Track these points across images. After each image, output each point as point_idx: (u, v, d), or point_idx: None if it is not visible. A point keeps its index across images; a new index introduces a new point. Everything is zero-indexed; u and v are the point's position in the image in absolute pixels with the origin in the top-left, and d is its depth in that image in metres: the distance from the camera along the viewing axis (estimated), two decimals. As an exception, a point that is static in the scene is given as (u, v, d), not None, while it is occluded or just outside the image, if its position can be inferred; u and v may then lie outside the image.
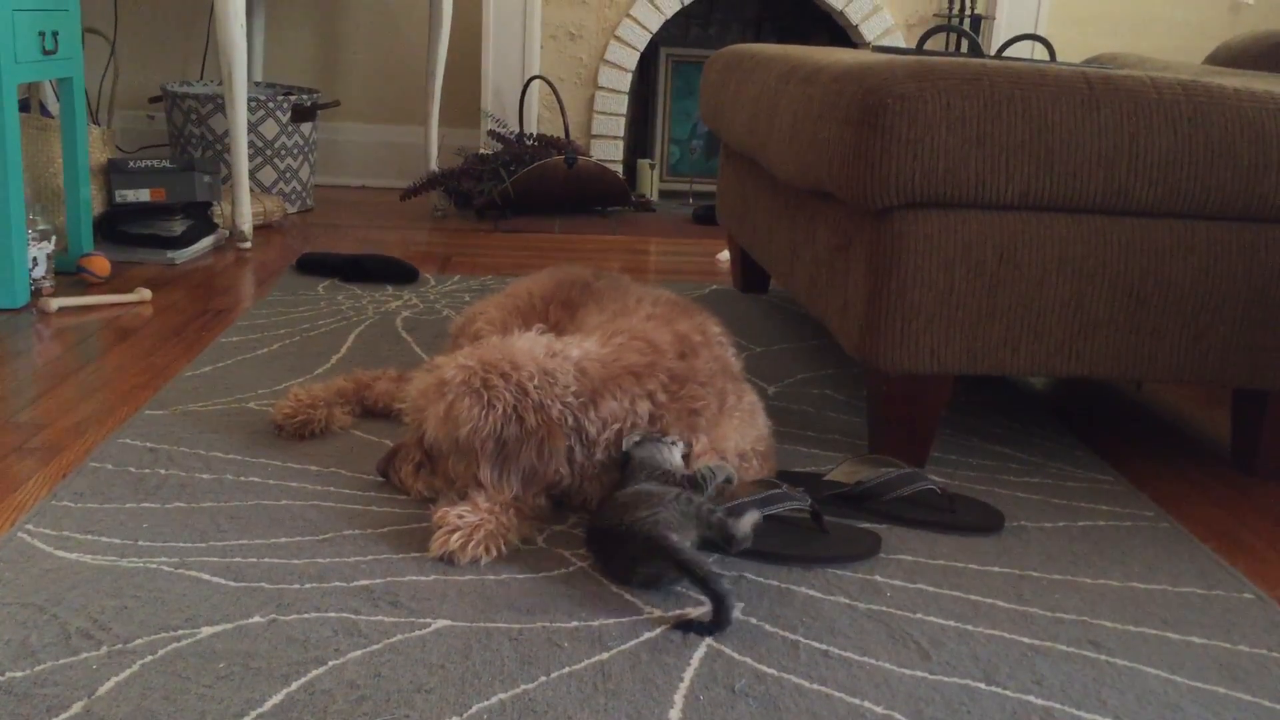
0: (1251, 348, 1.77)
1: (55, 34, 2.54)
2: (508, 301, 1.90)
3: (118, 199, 2.92)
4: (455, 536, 1.40)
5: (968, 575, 1.46)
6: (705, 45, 4.37)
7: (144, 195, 2.93)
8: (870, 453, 1.80)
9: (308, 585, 1.32)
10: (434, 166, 3.83)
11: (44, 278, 2.52)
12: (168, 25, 4.21)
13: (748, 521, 1.41)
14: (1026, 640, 1.31)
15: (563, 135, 3.98)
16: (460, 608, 1.30)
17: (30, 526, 1.43)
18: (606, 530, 1.38)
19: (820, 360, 2.38)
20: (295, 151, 3.69)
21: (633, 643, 1.24)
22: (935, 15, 4.16)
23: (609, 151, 4.14)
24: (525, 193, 3.71)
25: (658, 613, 1.30)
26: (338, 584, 1.33)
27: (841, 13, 4.11)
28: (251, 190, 3.38)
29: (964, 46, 4.04)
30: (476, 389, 1.47)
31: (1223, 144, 1.67)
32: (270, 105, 3.58)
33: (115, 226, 2.93)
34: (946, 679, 1.22)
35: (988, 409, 2.13)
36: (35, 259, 2.49)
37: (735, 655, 1.23)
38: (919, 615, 1.35)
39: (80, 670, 1.13)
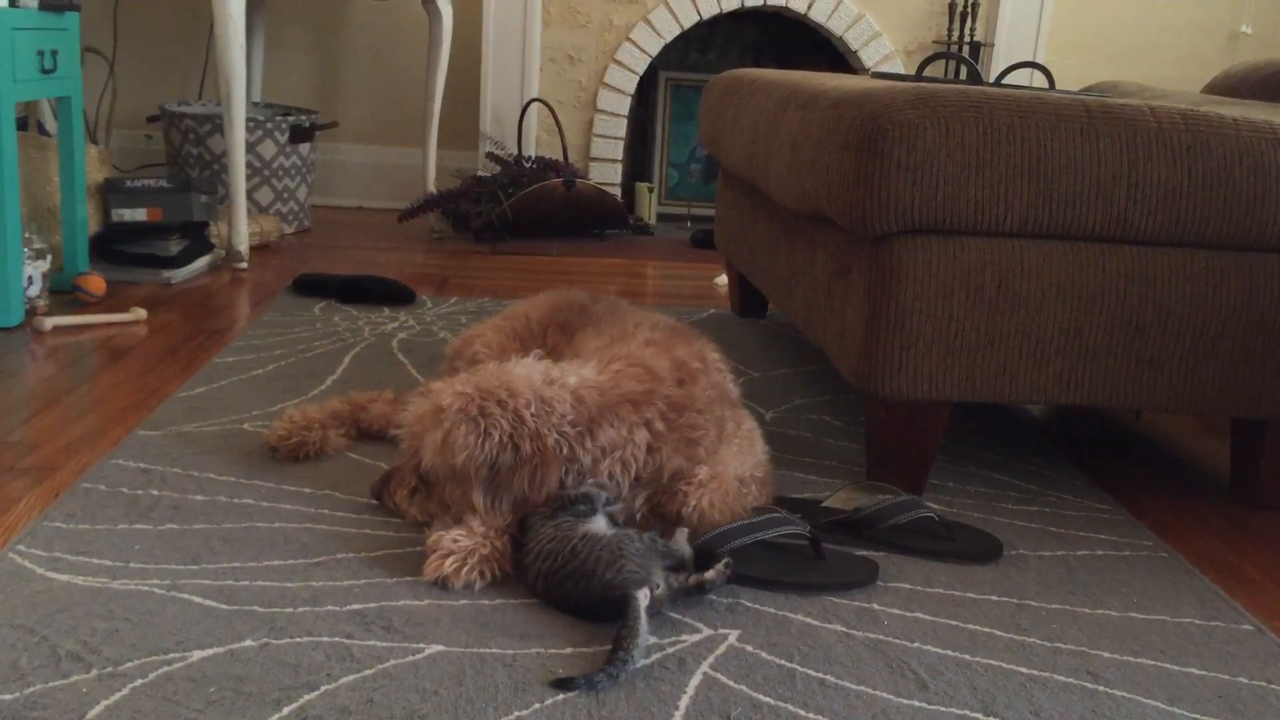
0: (1250, 377, 1.77)
1: (54, 53, 2.54)
2: (505, 325, 1.89)
3: (114, 218, 2.91)
4: (450, 560, 1.39)
5: (965, 604, 1.45)
6: (704, 70, 4.38)
7: (141, 215, 2.92)
8: (868, 479, 1.79)
9: (300, 609, 1.31)
10: (432, 188, 3.83)
11: (39, 296, 2.51)
12: (167, 45, 4.22)
13: (680, 537, 1.41)
14: (1024, 670, 1.30)
15: (561, 158, 3.99)
16: (454, 633, 1.28)
17: (21, 547, 1.42)
18: (568, 602, 1.34)
19: (818, 386, 2.37)
20: (293, 172, 3.69)
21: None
22: (935, 42, 4.18)
23: (607, 174, 4.14)
24: (523, 215, 3.72)
25: (653, 639, 1.29)
26: (331, 608, 1.32)
27: (841, 38, 4.13)
28: (249, 210, 3.38)
29: (963, 73, 4.05)
30: (474, 417, 1.46)
31: (1221, 173, 1.67)
32: (268, 126, 3.59)
33: (111, 246, 2.92)
34: (944, 709, 1.21)
35: (986, 437, 2.12)
36: (30, 277, 2.48)
37: (731, 683, 1.22)
38: (916, 644, 1.34)
39: (70, 693, 1.12)
